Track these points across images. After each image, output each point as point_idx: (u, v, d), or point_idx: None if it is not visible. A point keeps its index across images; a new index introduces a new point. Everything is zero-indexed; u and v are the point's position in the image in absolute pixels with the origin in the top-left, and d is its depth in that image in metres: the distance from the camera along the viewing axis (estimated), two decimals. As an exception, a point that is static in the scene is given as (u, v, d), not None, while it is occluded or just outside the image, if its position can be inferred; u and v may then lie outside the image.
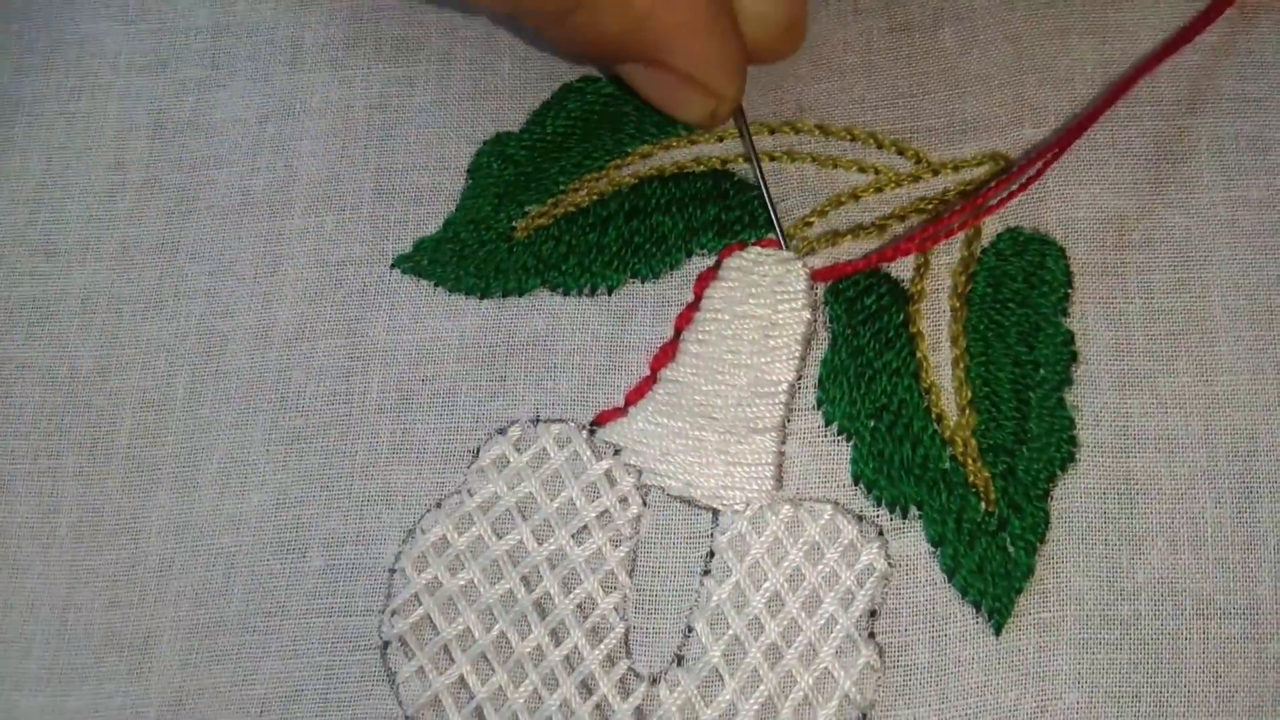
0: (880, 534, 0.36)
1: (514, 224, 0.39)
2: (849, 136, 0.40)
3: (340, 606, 0.36)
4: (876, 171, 0.40)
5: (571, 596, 0.36)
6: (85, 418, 0.39)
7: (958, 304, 0.38)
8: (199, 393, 0.39)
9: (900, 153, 0.40)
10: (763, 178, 0.39)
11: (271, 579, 0.36)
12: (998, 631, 0.35)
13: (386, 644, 0.36)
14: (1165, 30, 0.41)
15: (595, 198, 0.40)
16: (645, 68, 0.38)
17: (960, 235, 0.39)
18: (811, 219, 0.39)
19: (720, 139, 0.40)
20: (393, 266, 0.39)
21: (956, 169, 0.40)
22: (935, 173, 0.40)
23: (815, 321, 0.38)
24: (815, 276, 0.38)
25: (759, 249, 0.39)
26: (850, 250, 0.39)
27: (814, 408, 0.37)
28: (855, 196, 0.40)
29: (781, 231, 0.38)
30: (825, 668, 0.35)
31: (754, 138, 0.40)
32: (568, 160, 0.40)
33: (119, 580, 0.37)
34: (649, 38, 0.36)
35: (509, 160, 0.40)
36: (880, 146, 0.40)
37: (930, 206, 0.39)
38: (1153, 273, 0.38)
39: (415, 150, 0.41)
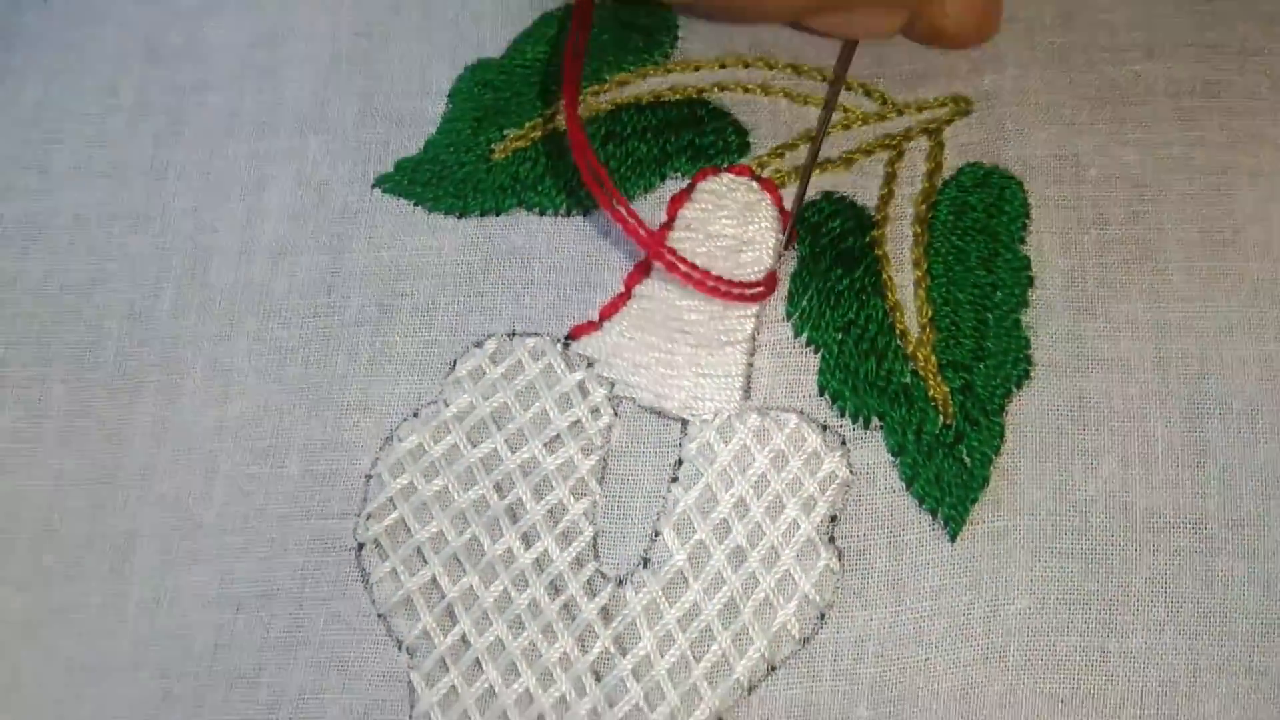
0: (843, 443, 0.36)
1: (493, 146, 0.39)
2: (820, 77, 0.40)
3: (317, 510, 0.36)
4: (845, 110, 0.40)
5: (543, 503, 0.35)
6: (74, 328, 0.38)
7: (919, 230, 0.38)
8: (184, 305, 0.38)
9: (867, 94, 0.40)
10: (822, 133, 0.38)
11: (251, 483, 0.36)
12: (953, 538, 0.34)
13: (361, 546, 0.35)
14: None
15: (573, 123, 0.40)
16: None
17: (922, 168, 0.39)
18: (782, 150, 0.39)
19: (696, 68, 0.40)
20: (374, 186, 0.39)
21: (920, 109, 0.40)
22: (900, 112, 0.40)
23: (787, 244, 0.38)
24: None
25: (732, 175, 0.39)
26: (817, 182, 0.39)
27: (784, 319, 0.37)
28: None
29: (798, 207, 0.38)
30: (786, 570, 0.34)
31: (729, 69, 0.40)
32: (546, 86, 0.40)
33: (102, 483, 0.36)
34: None
35: (489, 85, 0.40)
36: (849, 89, 0.40)
37: (894, 143, 0.39)
38: (1108, 206, 0.38)
39: (398, 75, 0.40)
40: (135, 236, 0.39)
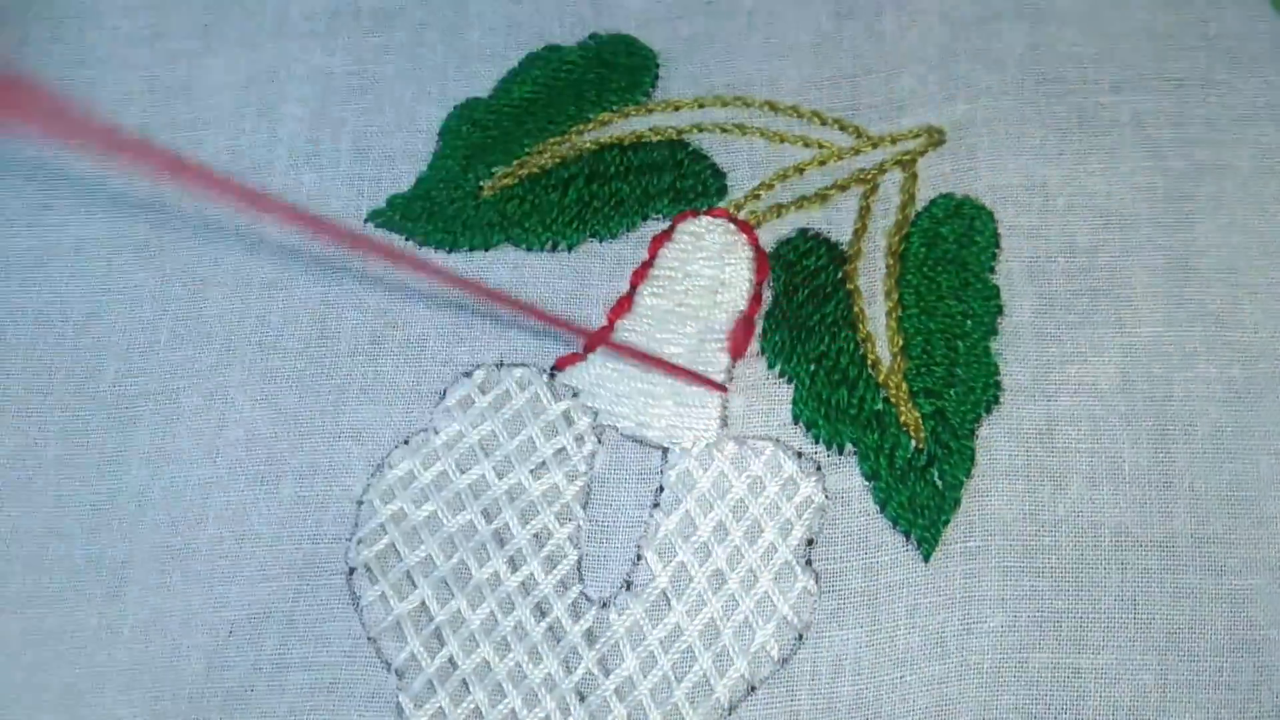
0: (818, 469, 0.36)
1: (481, 184, 0.40)
2: (795, 114, 0.41)
3: (309, 534, 0.36)
4: (820, 146, 0.40)
5: (529, 527, 0.35)
6: (73, 357, 0.38)
7: (892, 262, 0.38)
8: (181, 335, 0.38)
9: (842, 129, 0.40)
10: None
11: (244, 508, 0.36)
12: (926, 559, 0.35)
13: (352, 570, 0.35)
14: (1090, 14, 0.41)
15: (558, 161, 0.40)
16: None
17: (896, 200, 0.39)
18: (759, 192, 0.39)
19: (676, 108, 0.40)
20: (366, 221, 0.39)
21: (894, 141, 0.40)
22: (875, 145, 0.40)
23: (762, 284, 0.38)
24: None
25: (710, 218, 0.39)
26: (794, 220, 0.39)
27: (758, 353, 0.37)
28: (799, 170, 0.40)
29: None
30: (765, 592, 0.34)
31: (707, 108, 0.40)
32: (532, 124, 0.40)
33: (99, 509, 0.36)
34: None
35: (477, 124, 0.40)
36: (824, 124, 0.40)
37: (869, 176, 0.39)
38: (1075, 234, 0.38)
39: (390, 114, 0.41)
40: (134, 270, 0.39)
